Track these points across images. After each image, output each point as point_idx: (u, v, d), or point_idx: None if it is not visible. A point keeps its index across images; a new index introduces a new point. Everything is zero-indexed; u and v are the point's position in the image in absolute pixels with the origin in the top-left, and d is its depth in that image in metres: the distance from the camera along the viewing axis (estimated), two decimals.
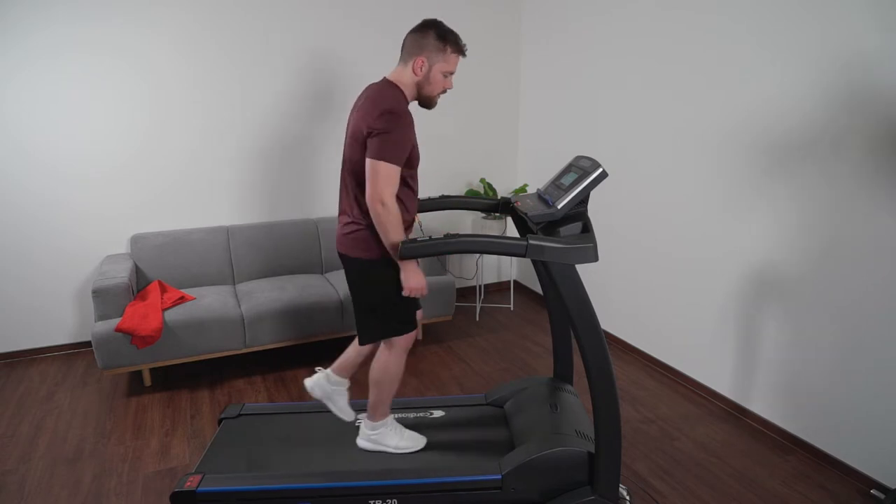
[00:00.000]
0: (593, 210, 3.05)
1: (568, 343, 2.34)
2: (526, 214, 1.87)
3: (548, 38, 3.84)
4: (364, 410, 2.23)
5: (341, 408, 2.22)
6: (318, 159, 3.74)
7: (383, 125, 1.77)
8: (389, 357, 2.04)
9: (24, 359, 3.36)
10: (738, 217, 2.59)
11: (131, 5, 3.13)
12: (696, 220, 2.83)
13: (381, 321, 2.01)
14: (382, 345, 2.06)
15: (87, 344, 3.47)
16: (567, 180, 1.81)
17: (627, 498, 2.03)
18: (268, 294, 3.15)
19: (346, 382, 2.23)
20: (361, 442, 2.15)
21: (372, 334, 2.04)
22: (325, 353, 3.39)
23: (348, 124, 1.98)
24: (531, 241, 1.65)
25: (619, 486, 1.88)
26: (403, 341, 2.04)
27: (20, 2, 2.94)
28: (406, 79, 1.91)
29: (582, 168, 1.81)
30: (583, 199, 1.78)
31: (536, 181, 4.13)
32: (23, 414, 2.77)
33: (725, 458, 2.39)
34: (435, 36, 1.86)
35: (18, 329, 3.33)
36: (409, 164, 1.88)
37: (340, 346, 3.45)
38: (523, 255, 1.66)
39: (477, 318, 3.96)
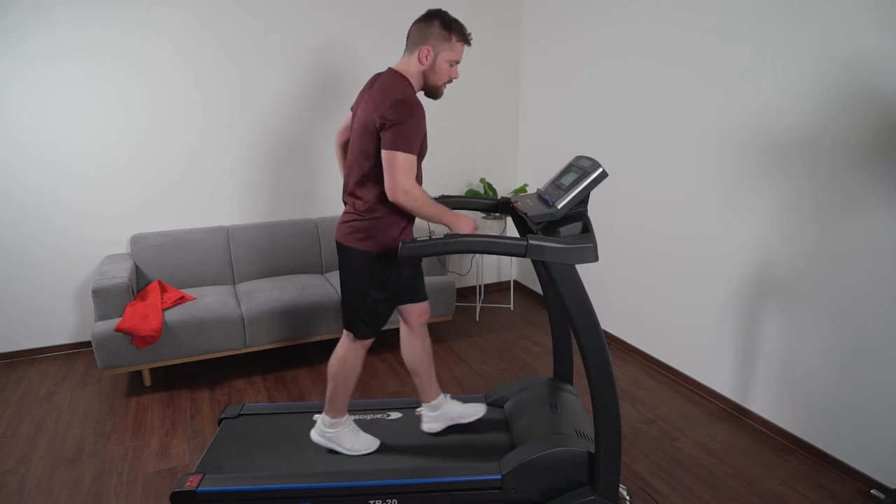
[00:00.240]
0: (593, 210, 3.05)
1: (568, 343, 2.34)
2: (526, 214, 1.87)
3: (548, 38, 3.84)
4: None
5: (467, 413, 2.26)
6: (318, 159, 3.74)
7: (397, 115, 1.78)
8: (348, 351, 2.05)
9: (24, 359, 3.36)
10: (738, 217, 2.59)
11: (131, 5, 3.13)
12: (696, 220, 2.83)
13: (351, 312, 2.02)
14: (344, 337, 2.07)
15: (87, 344, 3.47)
16: (567, 180, 1.81)
17: (627, 498, 2.03)
18: (268, 294, 3.15)
19: (443, 399, 2.26)
20: (315, 436, 2.13)
21: (349, 323, 2.05)
22: (325, 353, 3.39)
23: (354, 113, 1.99)
24: (531, 241, 1.65)
25: (619, 486, 1.88)
26: (362, 342, 2.05)
27: (20, 2, 2.94)
28: (412, 69, 1.92)
29: (582, 168, 1.81)
30: (583, 199, 1.78)
31: (536, 181, 4.13)
32: (23, 414, 2.77)
33: (725, 458, 2.39)
34: (440, 25, 1.87)
35: (18, 329, 3.33)
36: (423, 152, 1.90)
37: None
38: (523, 255, 1.66)
39: (477, 318, 3.96)
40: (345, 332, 2.08)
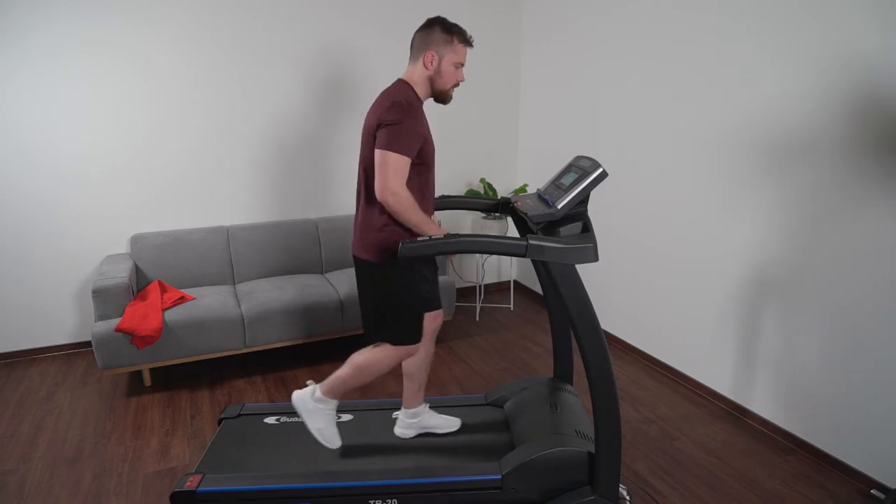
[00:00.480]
0: (593, 210, 3.05)
1: (568, 343, 2.34)
2: (526, 214, 1.87)
3: (548, 38, 3.84)
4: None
5: (442, 425, 2.25)
6: (318, 159, 3.74)
7: (392, 116, 1.80)
8: (384, 356, 2.03)
9: (24, 359, 3.36)
10: (738, 217, 2.59)
11: (131, 5, 3.13)
12: (696, 220, 2.83)
13: (395, 326, 2.00)
14: (384, 345, 2.05)
15: (87, 344, 3.47)
16: (567, 180, 1.81)
17: (627, 498, 2.03)
18: (268, 294, 3.15)
19: (423, 407, 2.25)
20: (296, 399, 2.07)
21: (379, 335, 2.04)
22: (325, 352, 3.40)
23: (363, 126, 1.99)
24: (531, 241, 1.65)
25: (619, 486, 1.88)
26: (405, 350, 2.03)
27: (20, 2, 2.94)
28: (417, 76, 1.94)
29: (582, 168, 1.81)
30: (583, 199, 1.78)
31: (536, 181, 4.13)
32: (23, 414, 2.77)
33: (725, 458, 2.39)
34: (441, 30, 1.90)
35: (18, 329, 3.33)
36: (424, 157, 1.89)
37: (341, 345, 3.46)
38: (523, 255, 1.66)
39: (477, 318, 3.96)
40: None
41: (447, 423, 2.27)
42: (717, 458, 2.39)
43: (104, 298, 2.85)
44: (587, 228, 1.79)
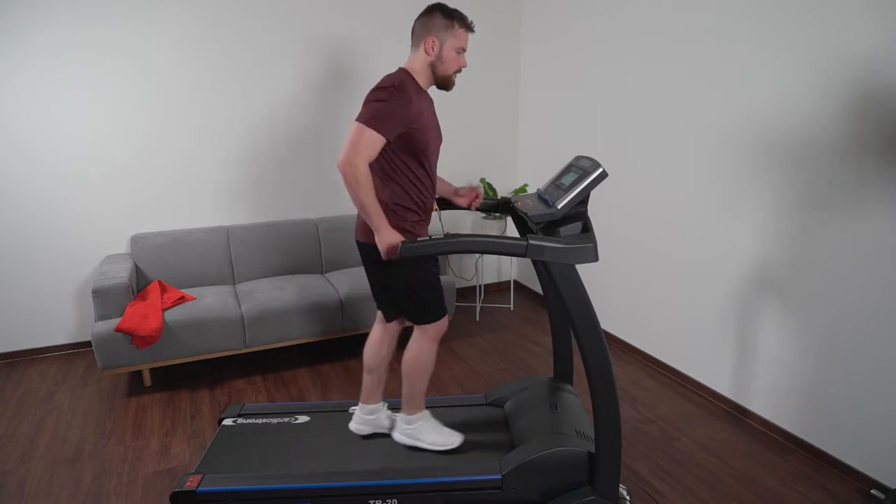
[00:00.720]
0: (593, 210, 3.05)
1: (568, 343, 2.34)
2: (526, 214, 1.87)
3: (548, 38, 3.84)
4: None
5: (388, 426, 2.24)
6: (318, 159, 3.74)
7: (378, 94, 1.81)
8: (421, 347, 2.04)
9: (24, 359, 3.36)
10: (738, 217, 2.59)
11: (131, 5, 3.13)
12: (696, 220, 2.83)
13: (418, 305, 2.00)
14: (414, 335, 2.06)
15: (87, 344, 3.47)
16: (567, 180, 1.81)
17: (627, 498, 2.03)
18: (268, 294, 3.15)
19: (381, 406, 2.25)
20: (398, 436, 2.15)
21: (418, 316, 2.04)
22: (325, 353, 3.40)
23: None
24: (531, 241, 1.65)
25: (619, 486, 1.88)
26: (433, 329, 2.03)
27: (20, 2, 2.94)
28: (418, 63, 1.93)
29: (582, 168, 1.81)
30: (583, 199, 1.78)
31: (536, 181, 4.13)
32: (23, 414, 2.77)
33: (725, 458, 2.39)
34: (441, 15, 1.90)
35: (18, 329, 3.33)
36: (416, 143, 1.87)
37: (340, 345, 3.46)
38: (523, 255, 1.66)
39: (477, 318, 3.96)
40: (414, 328, 2.06)
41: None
42: (717, 458, 2.39)
43: (104, 298, 2.85)
44: (587, 228, 1.79)
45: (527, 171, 4.29)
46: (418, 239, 1.72)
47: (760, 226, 2.50)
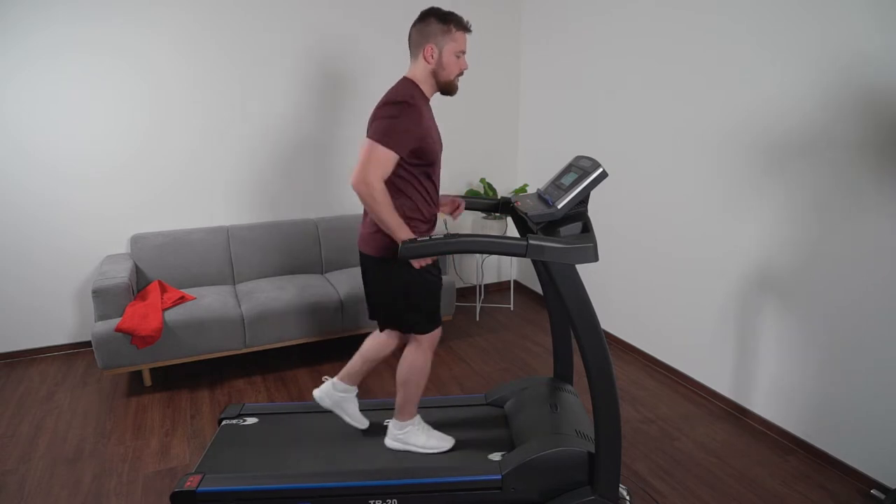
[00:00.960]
0: (593, 210, 3.04)
1: (568, 343, 2.34)
2: (526, 214, 1.87)
3: (548, 38, 3.84)
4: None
5: (352, 415, 2.23)
6: (318, 159, 3.74)
7: (390, 111, 1.79)
8: (416, 355, 2.04)
9: (24, 359, 3.36)
10: (738, 217, 2.59)
11: (131, 5, 3.13)
12: (696, 220, 2.83)
13: (411, 317, 2.01)
14: (409, 343, 2.06)
15: (87, 344, 3.47)
16: (567, 180, 1.81)
17: (627, 498, 2.03)
18: (268, 294, 3.15)
19: (353, 390, 2.24)
20: (389, 441, 2.16)
21: (399, 326, 2.05)
22: (325, 352, 3.40)
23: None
24: (531, 241, 1.65)
25: (619, 486, 1.88)
26: (429, 339, 2.04)
27: (20, 2, 2.94)
28: (419, 72, 1.92)
29: (582, 168, 1.81)
30: (583, 199, 1.78)
31: (536, 181, 4.13)
32: (23, 414, 2.77)
33: (725, 458, 2.39)
34: (437, 20, 1.88)
35: (18, 329, 3.33)
36: (428, 157, 1.88)
37: (340, 345, 3.46)
38: (523, 255, 1.66)
39: (477, 318, 3.96)
40: (410, 337, 2.07)
41: (358, 419, 2.24)
42: (717, 458, 2.39)
43: (104, 298, 2.85)
44: (587, 228, 1.79)
45: (527, 171, 4.29)
46: (418, 239, 1.72)
47: (760, 226, 2.50)
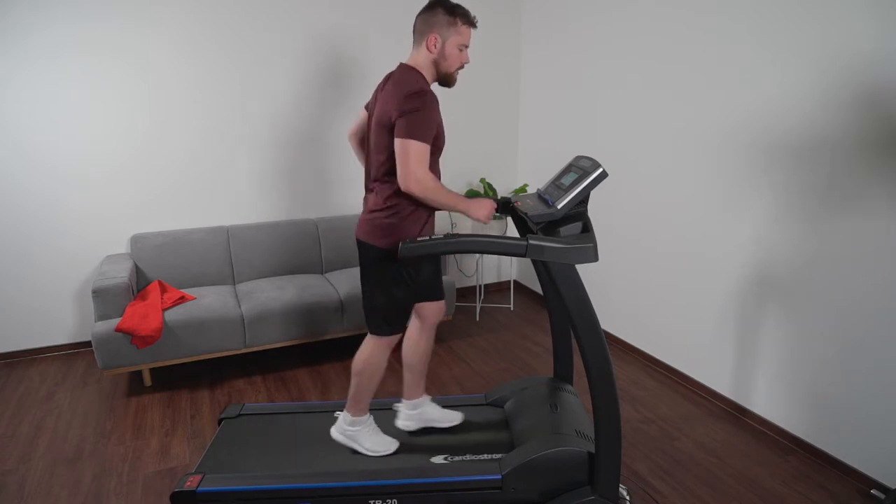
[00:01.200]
0: (593, 210, 3.04)
1: (568, 343, 2.34)
2: (526, 214, 1.87)
3: (548, 38, 3.84)
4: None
5: (443, 419, 2.25)
6: (318, 159, 3.74)
7: (410, 105, 1.78)
8: (372, 350, 2.04)
9: (24, 359, 3.36)
10: (738, 217, 2.59)
11: (131, 5, 3.13)
12: (696, 219, 2.83)
13: (371, 310, 2.02)
14: (368, 336, 2.07)
15: (87, 344, 3.47)
16: (567, 180, 1.81)
17: (627, 498, 2.03)
18: (268, 294, 3.15)
19: (425, 400, 2.26)
20: (335, 433, 2.14)
21: (368, 322, 2.06)
22: (325, 353, 3.40)
23: (371, 112, 1.98)
24: (531, 241, 1.65)
25: (619, 486, 1.88)
26: (387, 341, 2.04)
27: (20, 2, 2.94)
28: (422, 60, 1.92)
29: (582, 168, 1.81)
30: (583, 199, 1.78)
31: (536, 181, 4.13)
32: (23, 414, 2.77)
33: (725, 458, 2.39)
34: (444, 11, 1.88)
35: (18, 329, 3.33)
36: (437, 143, 1.89)
37: (341, 345, 3.46)
38: (523, 255, 1.66)
39: (477, 318, 3.96)
40: (368, 334, 2.08)
41: (448, 417, 2.27)
42: (717, 458, 2.39)
43: (104, 298, 2.85)
44: (587, 228, 1.79)
45: (527, 171, 4.29)
46: (418, 239, 1.72)
47: (760, 226, 2.50)
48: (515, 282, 4.56)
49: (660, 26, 2.90)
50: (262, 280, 3.43)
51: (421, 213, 1.93)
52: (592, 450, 1.87)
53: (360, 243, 2.00)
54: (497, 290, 4.55)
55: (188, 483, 1.88)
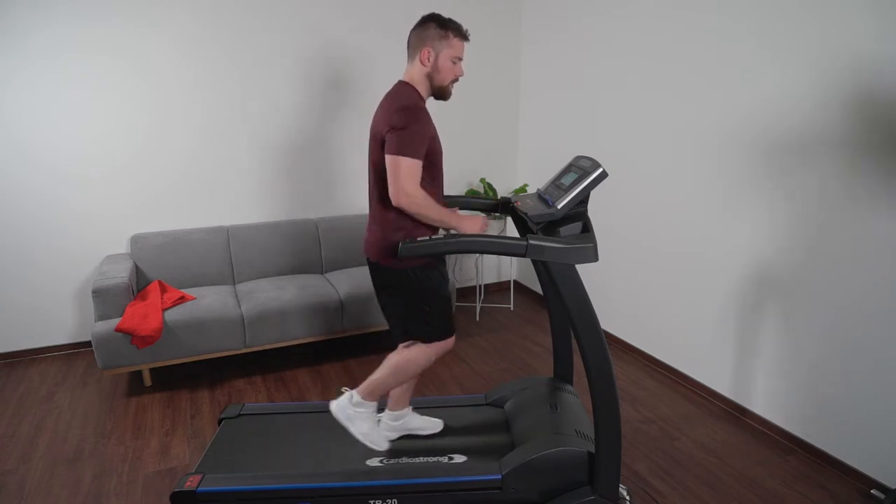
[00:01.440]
0: (593, 210, 3.04)
1: (568, 343, 2.34)
2: (526, 214, 1.87)
3: (548, 38, 3.84)
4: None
5: (422, 426, 2.23)
6: (318, 159, 3.74)
7: (400, 121, 1.80)
8: (420, 353, 2.02)
9: (24, 359, 3.36)
10: (738, 217, 2.59)
11: (131, 5, 3.13)
12: (696, 220, 2.83)
13: (416, 326, 2.00)
14: (420, 343, 2.04)
15: (87, 344, 3.47)
16: (567, 180, 1.81)
17: (627, 498, 2.03)
18: (268, 294, 3.15)
19: (406, 411, 2.23)
20: (335, 408, 2.07)
21: (413, 335, 2.03)
22: (325, 352, 3.39)
23: (370, 130, 1.99)
24: (531, 241, 1.65)
25: (619, 486, 1.88)
26: (441, 345, 2.03)
27: (20, 2, 2.94)
28: (416, 74, 1.93)
29: (582, 168, 1.81)
30: (583, 199, 1.78)
31: (536, 181, 4.13)
32: (23, 414, 2.77)
33: (725, 458, 2.39)
34: (436, 25, 1.90)
35: (18, 329, 3.33)
36: (432, 158, 1.89)
37: (341, 345, 3.46)
38: (523, 255, 1.66)
39: (477, 318, 3.96)
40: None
41: (430, 425, 2.25)
42: (717, 458, 2.39)
43: (104, 298, 2.85)
44: (587, 228, 1.78)
45: (527, 171, 4.29)
46: (418, 239, 1.72)
47: (760, 225, 2.50)
48: (515, 282, 4.56)
49: (660, 26, 2.90)
50: (262, 280, 3.43)
51: (425, 229, 1.94)
52: (592, 450, 1.87)
53: (375, 266, 1.99)
54: (497, 290, 4.55)
55: (188, 483, 1.88)
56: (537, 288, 4.30)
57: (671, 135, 2.91)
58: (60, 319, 3.40)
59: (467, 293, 4.38)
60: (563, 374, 2.37)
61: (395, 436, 2.22)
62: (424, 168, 1.87)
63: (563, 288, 1.71)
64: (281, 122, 3.59)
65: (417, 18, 1.96)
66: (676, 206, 2.93)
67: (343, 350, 3.42)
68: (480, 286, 4.23)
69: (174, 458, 2.41)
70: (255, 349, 3.10)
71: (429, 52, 1.89)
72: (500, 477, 1.87)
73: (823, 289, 2.27)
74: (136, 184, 3.37)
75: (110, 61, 3.17)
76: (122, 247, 3.42)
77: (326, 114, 3.69)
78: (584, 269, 3.57)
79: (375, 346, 3.43)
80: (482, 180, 4.07)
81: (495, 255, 4.35)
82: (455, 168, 4.17)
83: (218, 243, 3.45)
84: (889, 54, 1.97)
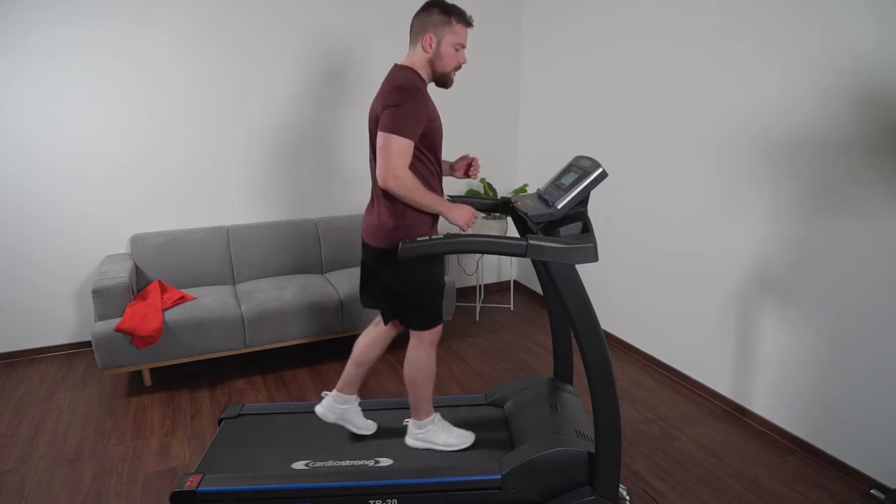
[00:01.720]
0: (593, 210, 3.04)
1: (568, 343, 2.34)
2: (526, 214, 1.87)
3: (548, 38, 3.84)
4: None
5: (358, 425, 2.23)
6: (318, 159, 3.74)
7: (394, 99, 1.78)
8: (418, 352, 2.03)
9: (24, 359, 3.36)
10: (738, 217, 2.59)
11: (131, 5, 3.13)
12: (695, 219, 2.83)
13: (405, 309, 2.00)
14: (411, 342, 2.05)
15: (87, 344, 3.47)
16: (567, 180, 1.81)
17: (627, 498, 2.03)
18: (268, 294, 3.15)
19: (354, 399, 2.23)
20: (410, 441, 2.15)
21: (405, 322, 2.04)
22: (325, 352, 3.40)
23: (369, 114, 1.98)
24: (531, 241, 1.65)
25: (619, 486, 1.88)
26: (430, 336, 2.02)
27: (20, 2, 2.94)
28: (418, 59, 1.92)
29: (582, 168, 1.81)
30: (583, 199, 1.78)
31: (536, 181, 4.13)
32: (23, 414, 2.77)
33: (725, 458, 2.39)
34: (439, 11, 1.88)
35: (18, 329, 3.33)
36: (431, 141, 1.88)
37: (341, 345, 3.46)
38: (523, 255, 1.66)
39: (477, 318, 3.96)
40: (411, 335, 2.05)
41: (365, 426, 2.23)
42: (717, 458, 2.39)
43: (104, 298, 2.85)
44: (587, 228, 1.79)
45: (527, 171, 4.29)
46: (418, 239, 1.72)
47: (760, 226, 2.50)
48: (515, 282, 4.56)
49: (660, 26, 2.90)
50: (262, 280, 3.43)
51: (425, 216, 1.93)
52: (592, 450, 1.87)
53: (370, 248, 1.99)
54: (497, 290, 4.55)
55: (188, 483, 1.88)
56: (537, 288, 4.30)
57: (671, 135, 2.91)
58: (60, 319, 3.40)
59: (467, 293, 4.38)
60: (563, 374, 2.37)
61: (332, 418, 2.19)
62: (422, 148, 1.86)
63: (563, 288, 1.71)
64: (281, 122, 3.59)
65: None
66: (676, 206, 2.93)
67: (343, 350, 3.42)
68: (480, 286, 4.22)
69: (174, 458, 2.41)
70: (255, 349, 3.10)
71: (431, 38, 1.88)
72: (500, 477, 1.88)
73: (823, 289, 2.27)
74: (136, 184, 3.37)
75: (110, 61, 3.17)
76: (122, 247, 3.42)
77: (326, 113, 3.69)
78: (584, 269, 3.56)
79: None
80: (482, 180, 4.07)
81: (495, 255, 4.35)
82: None
83: (218, 243, 3.45)
84: (889, 54, 1.97)
